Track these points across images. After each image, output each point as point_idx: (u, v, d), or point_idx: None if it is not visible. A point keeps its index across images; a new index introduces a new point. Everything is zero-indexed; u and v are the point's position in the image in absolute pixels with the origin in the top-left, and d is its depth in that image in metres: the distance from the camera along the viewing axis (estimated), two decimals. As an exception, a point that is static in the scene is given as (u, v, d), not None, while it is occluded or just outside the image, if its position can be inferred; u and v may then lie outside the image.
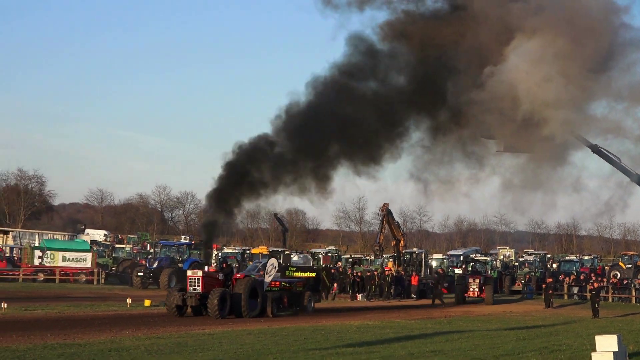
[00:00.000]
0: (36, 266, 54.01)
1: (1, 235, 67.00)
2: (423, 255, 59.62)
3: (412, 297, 49.36)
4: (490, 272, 57.52)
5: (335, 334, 23.27)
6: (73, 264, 54.49)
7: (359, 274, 51.07)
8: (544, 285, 47.08)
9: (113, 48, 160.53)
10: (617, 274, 55.33)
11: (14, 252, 62.67)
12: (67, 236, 70.93)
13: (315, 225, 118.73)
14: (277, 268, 33.06)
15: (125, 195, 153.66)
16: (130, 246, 74.00)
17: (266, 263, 33.11)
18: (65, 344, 18.89)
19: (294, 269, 37.28)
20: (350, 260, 67.61)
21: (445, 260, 68.83)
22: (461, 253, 73.01)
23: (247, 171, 31.02)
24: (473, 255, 68.46)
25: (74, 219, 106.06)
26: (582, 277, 53.51)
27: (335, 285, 48.68)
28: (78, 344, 18.97)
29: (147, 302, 34.21)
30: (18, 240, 67.69)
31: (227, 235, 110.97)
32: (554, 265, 67.45)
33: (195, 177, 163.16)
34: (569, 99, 26.09)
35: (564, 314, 38.96)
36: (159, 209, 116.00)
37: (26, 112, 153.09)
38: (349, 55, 30.87)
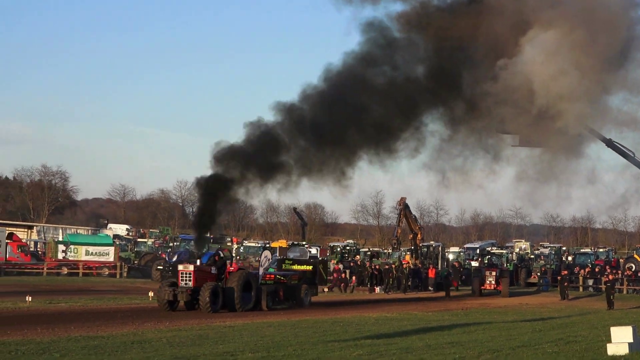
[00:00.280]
0: (60, 260, 54.71)
1: (26, 229, 67.78)
2: (440, 248, 59.69)
3: (430, 290, 49.52)
4: (507, 265, 57.74)
5: (353, 326, 23.45)
6: (96, 258, 55.22)
7: (377, 267, 51.32)
8: (559, 278, 47.20)
9: (135, 43, 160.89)
10: (631, 266, 55.20)
11: (38, 246, 63.62)
12: (90, 231, 71.77)
13: (334, 219, 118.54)
14: (270, 260, 32.54)
15: (147, 190, 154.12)
16: (152, 240, 74.38)
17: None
18: (89, 336, 19.06)
19: (290, 261, 35.82)
20: (369, 253, 67.85)
21: (462, 253, 68.92)
22: (477, 246, 72.96)
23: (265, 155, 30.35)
24: (489, 248, 68.69)
25: (97, 213, 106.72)
26: (597, 270, 53.43)
27: (354, 278, 49.03)
28: (101, 336, 19.14)
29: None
30: (42, 235, 68.57)
31: (246, 230, 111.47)
32: (569, 258, 67.41)
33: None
34: (584, 91, 26.08)
35: (579, 305, 39.04)
36: (180, 204, 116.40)
37: (48, 109, 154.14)
38: (365, 43, 30.58)
